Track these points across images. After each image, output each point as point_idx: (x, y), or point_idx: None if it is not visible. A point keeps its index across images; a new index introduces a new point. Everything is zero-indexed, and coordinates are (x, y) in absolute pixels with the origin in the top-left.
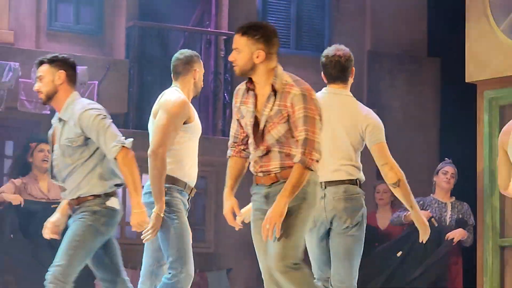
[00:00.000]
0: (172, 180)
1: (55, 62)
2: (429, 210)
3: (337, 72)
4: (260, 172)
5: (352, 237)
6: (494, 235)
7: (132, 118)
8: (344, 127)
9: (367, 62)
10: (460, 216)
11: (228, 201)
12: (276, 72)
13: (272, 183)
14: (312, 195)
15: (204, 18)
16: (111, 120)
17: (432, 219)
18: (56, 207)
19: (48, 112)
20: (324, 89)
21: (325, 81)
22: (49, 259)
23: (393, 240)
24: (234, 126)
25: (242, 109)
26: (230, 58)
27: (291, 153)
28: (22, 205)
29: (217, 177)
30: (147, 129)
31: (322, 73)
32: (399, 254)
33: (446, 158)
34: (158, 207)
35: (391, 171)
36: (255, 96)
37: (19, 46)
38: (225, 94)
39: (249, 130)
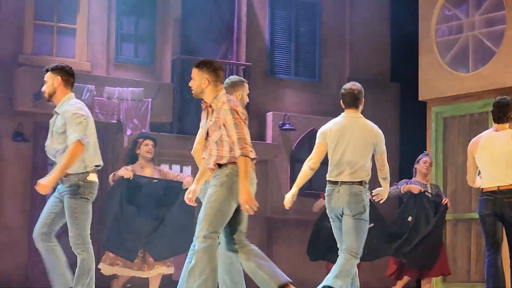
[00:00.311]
0: None
1: (55, 70)
2: None
3: (351, 101)
4: (207, 165)
5: (356, 220)
6: None
7: (175, 126)
8: (359, 140)
9: None
10: (437, 192)
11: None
12: (217, 94)
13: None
14: (229, 184)
15: (228, 53)
16: (86, 121)
17: (426, 193)
18: (156, 181)
19: (115, 121)
20: (342, 114)
21: (343, 107)
22: (146, 224)
23: (400, 209)
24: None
25: (202, 122)
26: (190, 84)
27: (223, 155)
28: (131, 179)
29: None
30: (186, 134)
31: (340, 101)
32: (410, 219)
33: (424, 151)
34: None
35: (385, 170)
36: (207, 112)
37: (94, 73)
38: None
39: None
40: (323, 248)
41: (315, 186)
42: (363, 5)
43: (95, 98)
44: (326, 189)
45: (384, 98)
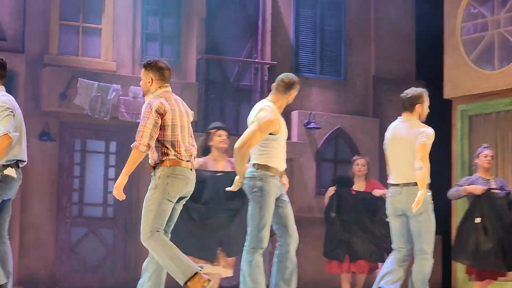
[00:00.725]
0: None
1: None
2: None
3: (406, 105)
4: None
5: (419, 221)
6: (464, 209)
7: (200, 125)
8: (411, 142)
9: (372, 84)
10: (501, 186)
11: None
12: (156, 91)
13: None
14: (162, 186)
15: (253, 52)
16: (12, 113)
17: (492, 190)
18: (221, 174)
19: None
20: (399, 117)
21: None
22: (218, 220)
23: (465, 211)
24: None
25: None
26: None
27: (153, 155)
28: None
29: None
30: None
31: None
32: (478, 220)
33: (484, 144)
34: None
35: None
36: None
37: (120, 73)
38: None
39: None
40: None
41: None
42: (388, 3)
43: (120, 97)
44: (389, 190)
45: None
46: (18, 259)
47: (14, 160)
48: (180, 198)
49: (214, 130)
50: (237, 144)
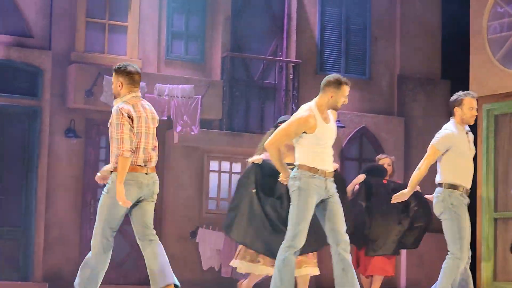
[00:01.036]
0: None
1: None
2: None
3: (450, 110)
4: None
5: (442, 221)
6: (489, 210)
7: (225, 123)
8: None
9: (397, 83)
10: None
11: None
12: (125, 96)
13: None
14: (114, 190)
15: (278, 50)
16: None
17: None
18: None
19: (166, 118)
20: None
21: None
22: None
23: None
24: None
25: None
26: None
27: (113, 151)
28: (260, 163)
29: None
30: (236, 131)
31: None
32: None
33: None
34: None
35: None
36: None
37: (145, 70)
38: (293, 105)
39: None
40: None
41: None
42: (414, 1)
43: (145, 95)
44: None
45: (435, 95)
46: (42, 255)
47: None
48: (144, 199)
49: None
50: (266, 143)
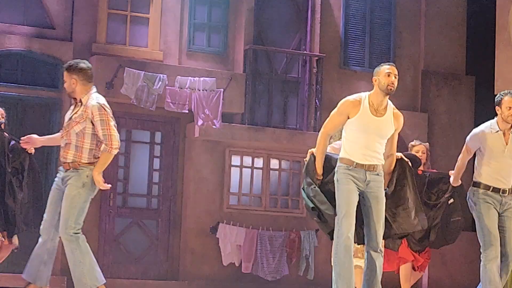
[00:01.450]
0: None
1: None
2: None
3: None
4: (62, 156)
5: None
6: None
7: (247, 117)
8: None
9: (421, 78)
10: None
11: None
12: (88, 92)
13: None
14: (89, 184)
15: (301, 43)
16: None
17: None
18: None
19: (187, 111)
20: None
21: None
22: None
23: None
24: None
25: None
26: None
27: (83, 150)
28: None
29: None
30: (258, 125)
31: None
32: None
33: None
34: None
35: None
36: (75, 105)
37: (166, 62)
38: (316, 100)
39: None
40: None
41: None
42: None
43: (166, 87)
44: None
45: (459, 91)
46: (61, 248)
47: None
48: None
49: None
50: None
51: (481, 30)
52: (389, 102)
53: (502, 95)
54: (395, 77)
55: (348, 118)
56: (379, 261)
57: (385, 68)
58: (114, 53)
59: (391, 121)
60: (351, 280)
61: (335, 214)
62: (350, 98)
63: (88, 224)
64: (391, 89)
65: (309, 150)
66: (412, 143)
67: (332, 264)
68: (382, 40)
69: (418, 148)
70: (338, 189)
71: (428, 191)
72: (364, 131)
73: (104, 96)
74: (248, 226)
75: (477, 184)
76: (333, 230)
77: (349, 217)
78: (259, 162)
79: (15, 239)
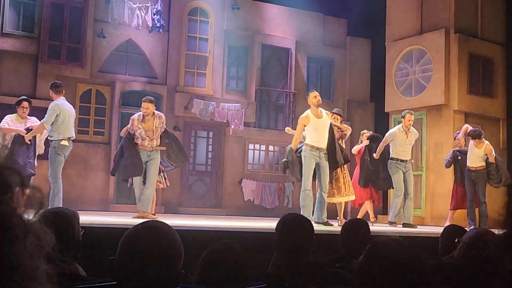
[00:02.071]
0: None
1: None
2: None
3: None
4: None
5: None
6: None
7: (256, 124)
8: None
9: (347, 104)
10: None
11: None
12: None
13: None
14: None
15: (285, 85)
16: (55, 113)
17: None
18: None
19: (225, 121)
20: None
21: None
22: None
23: None
24: None
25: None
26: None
27: None
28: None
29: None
30: (262, 128)
31: None
32: None
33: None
34: None
35: None
36: None
37: (215, 96)
38: (292, 115)
39: None
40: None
41: None
42: None
43: (215, 109)
44: None
45: (366, 110)
46: (162, 192)
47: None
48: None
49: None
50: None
51: (380, 74)
52: (322, 109)
53: (404, 113)
54: (319, 96)
55: (305, 126)
56: (325, 197)
57: (313, 94)
58: (188, 91)
59: (327, 118)
60: (310, 210)
61: (301, 176)
62: (303, 115)
63: (174, 179)
64: (319, 102)
65: (289, 145)
66: (363, 132)
67: (300, 201)
68: (326, 83)
69: (367, 134)
70: (304, 162)
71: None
72: (316, 128)
73: (183, 113)
74: (257, 180)
75: (393, 158)
76: (299, 176)
77: (309, 178)
78: (262, 147)
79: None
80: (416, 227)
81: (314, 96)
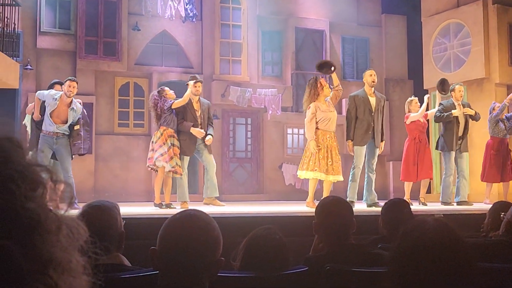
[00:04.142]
0: None
1: None
2: None
3: None
4: None
5: None
6: None
7: (294, 108)
8: None
9: (384, 82)
10: None
11: None
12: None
13: None
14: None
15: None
16: (39, 100)
17: None
18: None
19: (263, 107)
20: None
21: None
22: None
23: None
24: None
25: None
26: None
27: None
28: None
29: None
30: (299, 112)
31: None
32: None
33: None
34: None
35: None
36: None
37: (251, 82)
38: None
39: None
40: None
41: None
42: None
43: (252, 95)
44: None
45: (404, 88)
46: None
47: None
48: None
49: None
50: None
51: (417, 50)
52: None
53: (454, 86)
54: (375, 76)
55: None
56: (372, 177)
57: (368, 72)
58: (224, 79)
59: (380, 99)
60: (356, 187)
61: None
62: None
63: (217, 166)
64: (373, 82)
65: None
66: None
67: (350, 178)
68: (362, 63)
69: (416, 100)
70: (357, 140)
71: None
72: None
73: (220, 101)
74: (297, 164)
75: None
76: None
77: (362, 156)
78: (301, 131)
79: None
80: (472, 204)
81: (369, 75)
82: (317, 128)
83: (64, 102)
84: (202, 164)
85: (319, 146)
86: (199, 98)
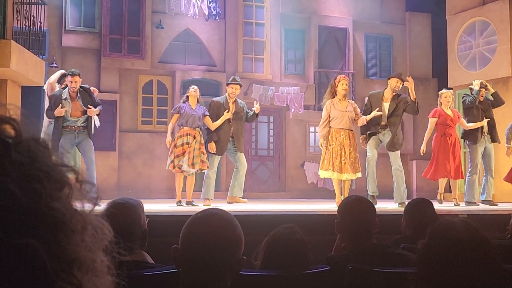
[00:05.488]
0: None
1: None
2: None
3: None
4: None
5: None
6: None
7: (316, 106)
8: None
9: None
10: None
11: None
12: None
13: None
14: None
15: (343, 66)
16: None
17: None
18: None
19: (285, 105)
20: None
21: None
22: None
23: None
24: None
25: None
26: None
27: None
28: None
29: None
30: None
31: None
32: None
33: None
34: None
35: None
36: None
37: (274, 80)
38: (352, 95)
39: None
40: None
41: None
42: None
43: (274, 93)
44: None
45: (428, 88)
46: (226, 178)
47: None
48: None
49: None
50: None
51: (441, 49)
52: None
53: (441, 92)
54: (400, 84)
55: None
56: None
57: (394, 80)
58: (247, 77)
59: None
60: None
61: None
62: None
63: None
64: (395, 88)
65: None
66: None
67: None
68: (386, 61)
69: (447, 94)
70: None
71: None
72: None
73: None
74: (319, 162)
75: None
76: None
77: (373, 149)
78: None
79: None
80: (496, 205)
81: (396, 81)
82: (330, 126)
83: (73, 97)
84: (233, 163)
85: (332, 144)
86: (235, 99)
